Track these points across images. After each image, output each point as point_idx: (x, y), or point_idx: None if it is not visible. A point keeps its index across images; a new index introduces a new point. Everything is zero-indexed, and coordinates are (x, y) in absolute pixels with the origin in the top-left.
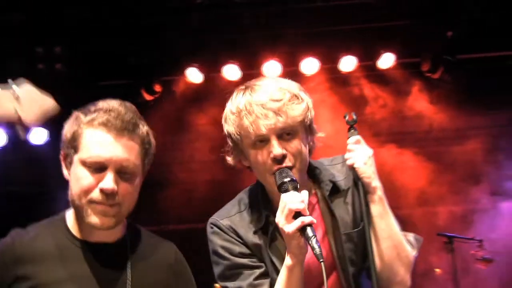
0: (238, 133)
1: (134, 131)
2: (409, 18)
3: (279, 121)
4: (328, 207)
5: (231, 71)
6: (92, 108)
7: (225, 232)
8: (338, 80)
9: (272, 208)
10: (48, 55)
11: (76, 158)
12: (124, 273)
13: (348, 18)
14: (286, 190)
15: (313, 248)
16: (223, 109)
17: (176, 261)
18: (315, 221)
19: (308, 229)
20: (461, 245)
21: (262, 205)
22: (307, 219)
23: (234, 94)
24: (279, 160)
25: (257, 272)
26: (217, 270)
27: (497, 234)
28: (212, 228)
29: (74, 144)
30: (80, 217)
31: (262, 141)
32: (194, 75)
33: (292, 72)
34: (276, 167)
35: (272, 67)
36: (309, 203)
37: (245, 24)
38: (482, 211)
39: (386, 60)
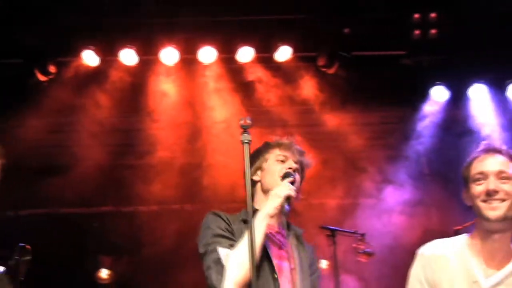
0: (277, 154)
1: None
2: (307, 12)
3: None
4: (300, 242)
5: (128, 56)
6: None
7: (220, 217)
8: (235, 70)
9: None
10: None
11: None
12: None
13: (247, 9)
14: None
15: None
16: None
17: None
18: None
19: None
20: (344, 238)
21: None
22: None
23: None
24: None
25: (233, 243)
26: (203, 240)
27: (381, 226)
28: (211, 214)
29: None
30: None
31: (285, 161)
32: (90, 57)
33: (189, 60)
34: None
35: (169, 54)
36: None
37: (144, 9)
38: (367, 204)
39: (283, 53)
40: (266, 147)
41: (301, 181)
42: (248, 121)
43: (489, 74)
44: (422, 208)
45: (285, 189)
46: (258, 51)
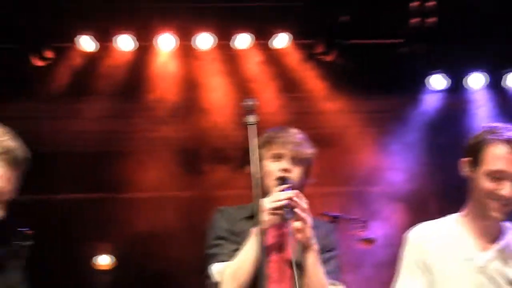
0: (271, 152)
1: None
2: None
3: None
4: None
5: (124, 42)
6: None
7: (222, 216)
8: (233, 57)
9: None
10: None
11: None
12: None
13: None
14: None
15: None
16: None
17: None
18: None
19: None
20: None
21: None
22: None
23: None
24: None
25: (236, 246)
26: (207, 241)
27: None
28: (216, 212)
29: None
30: None
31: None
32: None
33: (185, 47)
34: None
35: (166, 40)
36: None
37: None
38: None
39: (281, 40)
40: (261, 143)
41: (306, 175)
42: (252, 102)
43: (487, 63)
44: (420, 196)
45: (273, 202)
46: (255, 37)
